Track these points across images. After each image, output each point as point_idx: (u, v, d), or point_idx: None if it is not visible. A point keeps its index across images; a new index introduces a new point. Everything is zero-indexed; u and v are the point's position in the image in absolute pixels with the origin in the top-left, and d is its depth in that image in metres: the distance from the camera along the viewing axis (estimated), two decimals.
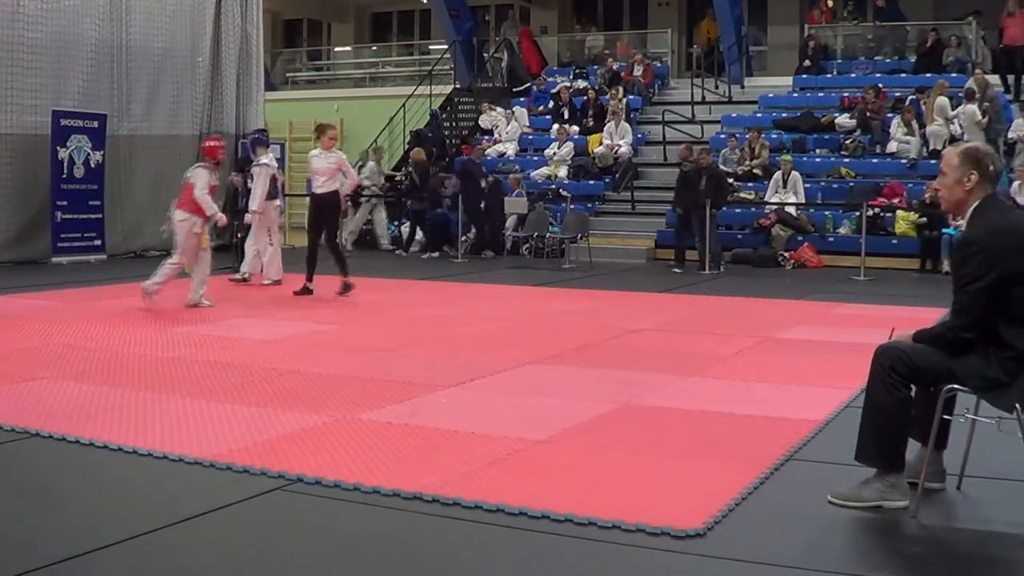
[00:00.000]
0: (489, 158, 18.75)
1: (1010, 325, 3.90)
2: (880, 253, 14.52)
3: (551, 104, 20.34)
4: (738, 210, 16.18)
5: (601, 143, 18.38)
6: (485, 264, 15.30)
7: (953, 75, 17.95)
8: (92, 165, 14.89)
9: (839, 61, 20.57)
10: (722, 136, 17.93)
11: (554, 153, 18.52)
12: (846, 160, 16.82)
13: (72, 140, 14.58)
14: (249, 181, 12.44)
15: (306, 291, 10.98)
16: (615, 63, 21.24)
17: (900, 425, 4.11)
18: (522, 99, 21.16)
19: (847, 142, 17.12)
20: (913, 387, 4.08)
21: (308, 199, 11.95)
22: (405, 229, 17.62)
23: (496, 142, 19.54)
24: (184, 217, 9.83)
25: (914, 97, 17.21)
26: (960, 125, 15.97)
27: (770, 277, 13.67)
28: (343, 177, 11.10)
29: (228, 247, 15.18)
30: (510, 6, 25.22)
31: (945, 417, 4.14)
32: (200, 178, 9.84)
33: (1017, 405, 3.90)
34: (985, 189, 4.06)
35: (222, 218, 10.50)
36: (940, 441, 4.27)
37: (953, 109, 16.27)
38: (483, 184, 16.62)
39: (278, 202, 12.70)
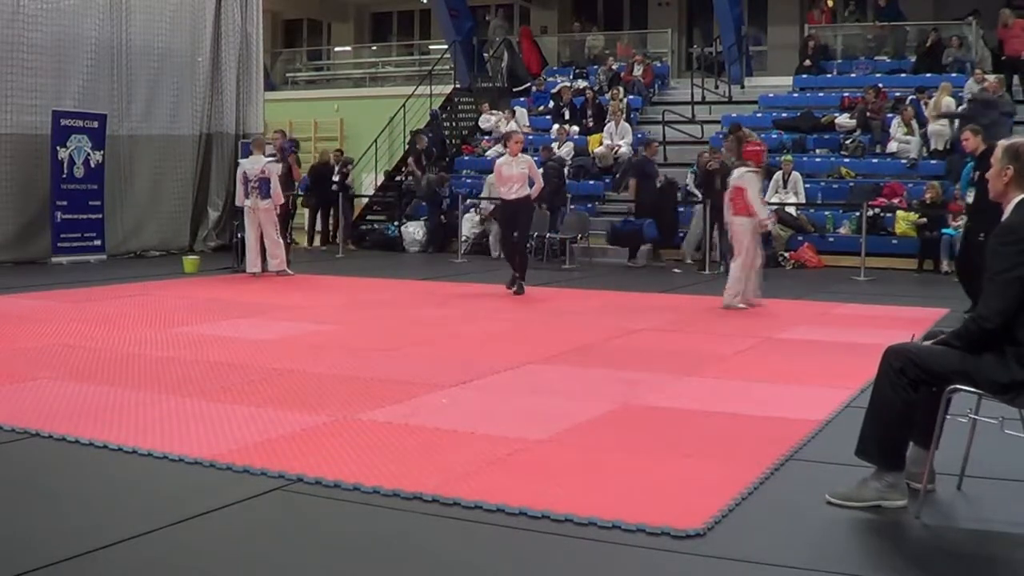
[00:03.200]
0: (488, 158, 18.72)
1: None
2: (880, 253, 14.51)
3: (551, 104, 20.33)
4: None
5: (601, 143, 18.37)
6: (485, 264, 15.28)
7: (953, 75, 17.95)
8: (92, 165, 14.89)
9: (839, 61, 20.56)
10: (722, 136, 17.89)
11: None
12: (846, 160, 16.82)
13: (72, 140, 14.58)
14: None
15: (517, 284, 11.46)
16: (615, 63, 21.23)
17: (904, 426, 4.11)
18: (522, 99, 21.16)
19: (847, 142, 17.11)
20: (920, 390, 4.04)
21: (501, 205, 12.32)
22: (408, 230, 17.61)
23: (496, 142, 19.53)
24: (742, 221, 10.22)
25: (914, 97, 17.20)
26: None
27: (770, 277, 13.63)
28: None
29: (228, 247, 15.21)
30: (510, 6, 25.21)
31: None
32: (752, 183, 10.21)
33: None
34: (1022, 185, 4.08)
35: (767, 224, 10.83)
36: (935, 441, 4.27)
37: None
38: (657, 184, 15.86)
39: (267, 202, 12.77)
